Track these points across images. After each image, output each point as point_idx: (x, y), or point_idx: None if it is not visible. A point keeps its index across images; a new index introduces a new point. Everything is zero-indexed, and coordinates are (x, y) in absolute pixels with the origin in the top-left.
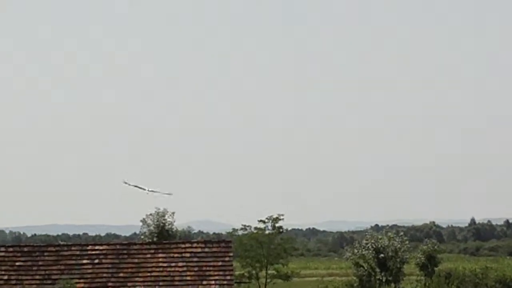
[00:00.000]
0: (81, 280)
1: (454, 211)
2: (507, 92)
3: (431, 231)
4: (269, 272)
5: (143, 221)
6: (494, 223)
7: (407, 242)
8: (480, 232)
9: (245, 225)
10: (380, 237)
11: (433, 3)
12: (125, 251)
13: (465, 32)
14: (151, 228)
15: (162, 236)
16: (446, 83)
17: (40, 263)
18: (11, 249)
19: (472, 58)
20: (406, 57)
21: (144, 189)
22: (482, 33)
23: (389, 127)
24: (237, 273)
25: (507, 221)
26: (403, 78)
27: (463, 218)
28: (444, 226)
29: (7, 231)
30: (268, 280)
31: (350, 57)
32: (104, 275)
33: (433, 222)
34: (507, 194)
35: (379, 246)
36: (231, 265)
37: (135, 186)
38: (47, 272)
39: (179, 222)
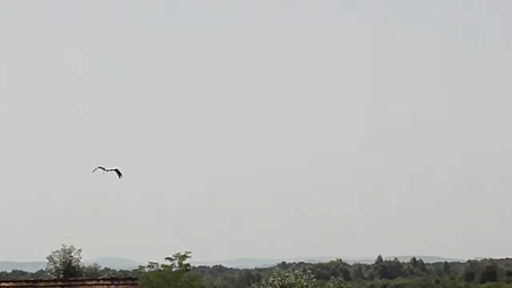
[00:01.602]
0: None
1: (361, 249)
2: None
3: (338, 269)
4: None
5: (50, 258)
6: (401, 260)
7: (314, 279)
8: (387, 270)
9: (152, 263)
10: (287, 274)
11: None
12: None
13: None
14: (58, 265)
15: (69, 273)
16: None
17: None
18: None
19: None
20: None
21: (104, 169)
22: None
23: (288, 163)
24: None
25: (413, 259)
26: None
27: (370, 256)
28: (351, 263)
29: None
30: None
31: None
32: None
33: (340, 260)
34: (414, 232)
35: (286, 283)
36: None
37: (99, 167)
38: None
39: (86, 259)
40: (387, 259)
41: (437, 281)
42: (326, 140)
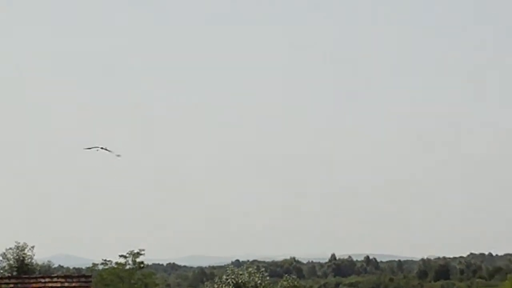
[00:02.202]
0: None
1: (314, 247)
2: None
3: (291, 267)
4: None
5: (3, 255)
6: (354, 259)
7: (267, 277)
8: (340, 268)
9: (105, 260)
10: (240, 272)
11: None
12: None
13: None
14: (11, 262)
15: (22, 270)
16: None
17: None
18: None
19: None
20: None
21: (98, 148)
22: None
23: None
24: None
25: (367, 257)
26: None
27: (323, 254)
28: (305, 261)
29: None
30: None
31: None
32: None
33: (294, 258)
34: (367, 230)
35: (240, 281)
36: None
37: (93, 147)
38: None
39: (39, 256)
40: (341, 257)
41: (391, 279)
42: (282, 139)
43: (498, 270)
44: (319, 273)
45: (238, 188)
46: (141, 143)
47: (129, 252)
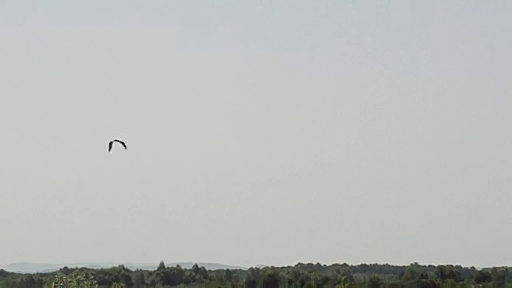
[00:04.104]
0: None
1: (143, 255)
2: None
3: (120, 275)
4: None
5: None
6: (183, 267)
7: (96, 285)
8: (169, 276)
9: None
10: (69, 280)
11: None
12: None
13: None
14: None
15: None
16: None
17: None
18: None
19: None
20: None
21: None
22: None
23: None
24: None
25: (196, 266)
26: None
27: (152, 262)
28: (133, 269)
29: None
30: None
31: None
32: None
33: (122, 266)
34: (196, 239)
35: None
36: None
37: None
38: None
39: None
40: (169, 266)
41: None
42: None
43: (326, 280)
44: (147, 281)
45: (63, 196)
46: None
47: None
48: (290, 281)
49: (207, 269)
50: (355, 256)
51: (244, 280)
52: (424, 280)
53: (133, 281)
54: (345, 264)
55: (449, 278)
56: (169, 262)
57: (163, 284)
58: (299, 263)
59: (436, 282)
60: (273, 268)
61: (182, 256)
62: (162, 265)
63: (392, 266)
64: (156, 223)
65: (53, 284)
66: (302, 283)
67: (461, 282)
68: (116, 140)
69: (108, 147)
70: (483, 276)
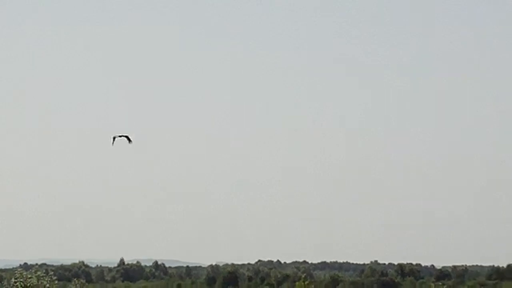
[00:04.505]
0: None
1: (103, 251)
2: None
3: (80, 271)
4: None
5: None
6: (143, 264)
7: (56, 281)
8: (129, 273)
9: None
10: (29, 276)
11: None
12: None
13: None
14: None
15: None
16: None
17: None
18: None
19: None
20: None
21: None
22: None
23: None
24: None
25: (155, 262)
26: None
27: (112, 258)
28: (93, 266)
29: None
30: None
31: None
32: None
33: (82, 262)
34: (156, 235)
35: (28, 285)
36: None
37: (120, 136)
38: None
39: None
40: (129, 262)
41: (179, 285)
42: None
43: (286, 277)
44: (107, 277)
45: (24, 192)
46: None
47: None
48: (250, 278)
49: (167, 265)
50: (315, 253)
51: (204, 276)
52: (384, 278)
53: (93, 277)
54: (305, 262)
55: (409, 276)
56: (129, 258)
57: (123, 281)
58: (259, 260)
59: (396, 280)
60: (233, 265)
61: (142, 252)
62: (122, 261)
63: (352, 263)
64: (116, 219)
65: (13, 280)
66: (262, 280)
67: (421, 280)
68: (121, 136)
69: (112, 141)
70: (443, 274)
